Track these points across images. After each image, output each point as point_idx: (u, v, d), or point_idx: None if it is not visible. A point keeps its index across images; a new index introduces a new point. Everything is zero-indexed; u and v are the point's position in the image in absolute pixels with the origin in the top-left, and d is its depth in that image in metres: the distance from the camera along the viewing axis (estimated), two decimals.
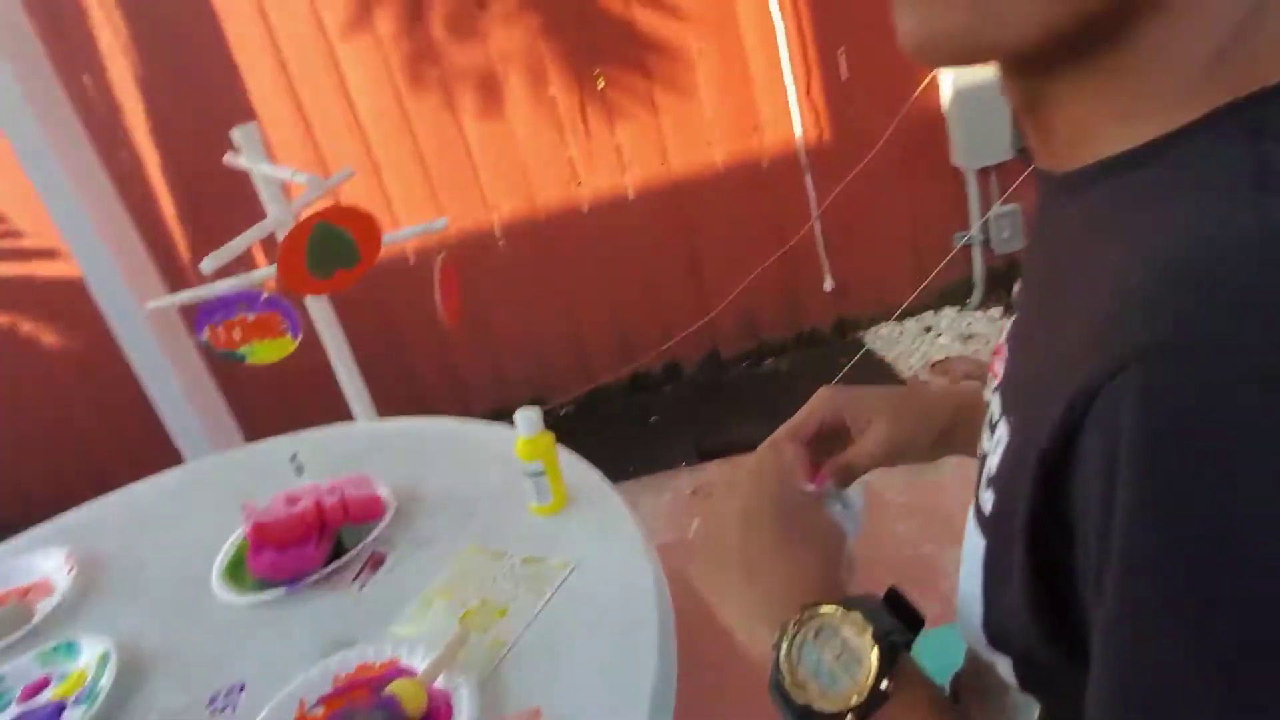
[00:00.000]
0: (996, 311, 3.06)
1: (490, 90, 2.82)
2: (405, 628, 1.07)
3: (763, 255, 3.01)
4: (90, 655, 1.15)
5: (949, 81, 2.74)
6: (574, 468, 1.28)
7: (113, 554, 1.41)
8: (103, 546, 1.43)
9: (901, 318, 3.12)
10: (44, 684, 1.15)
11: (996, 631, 0.47)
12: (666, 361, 3.23)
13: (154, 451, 2.53)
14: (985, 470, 0.47)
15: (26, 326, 3.11)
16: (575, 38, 2.76)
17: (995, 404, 0.48)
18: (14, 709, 1.12)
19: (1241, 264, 0.35)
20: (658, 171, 2.93)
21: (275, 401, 2.98)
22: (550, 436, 1.20)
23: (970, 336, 2.98)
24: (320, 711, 0.96)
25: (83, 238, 2.28)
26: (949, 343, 2.97)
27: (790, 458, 0.67)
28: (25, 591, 1.35)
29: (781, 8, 2.71)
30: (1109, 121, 0.44)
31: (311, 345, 2.01)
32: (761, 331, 3.18)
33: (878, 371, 2.92)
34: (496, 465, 1.36)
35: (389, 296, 3.08)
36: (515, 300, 3.11)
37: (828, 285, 3.06)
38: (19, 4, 2.23)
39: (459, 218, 2.93)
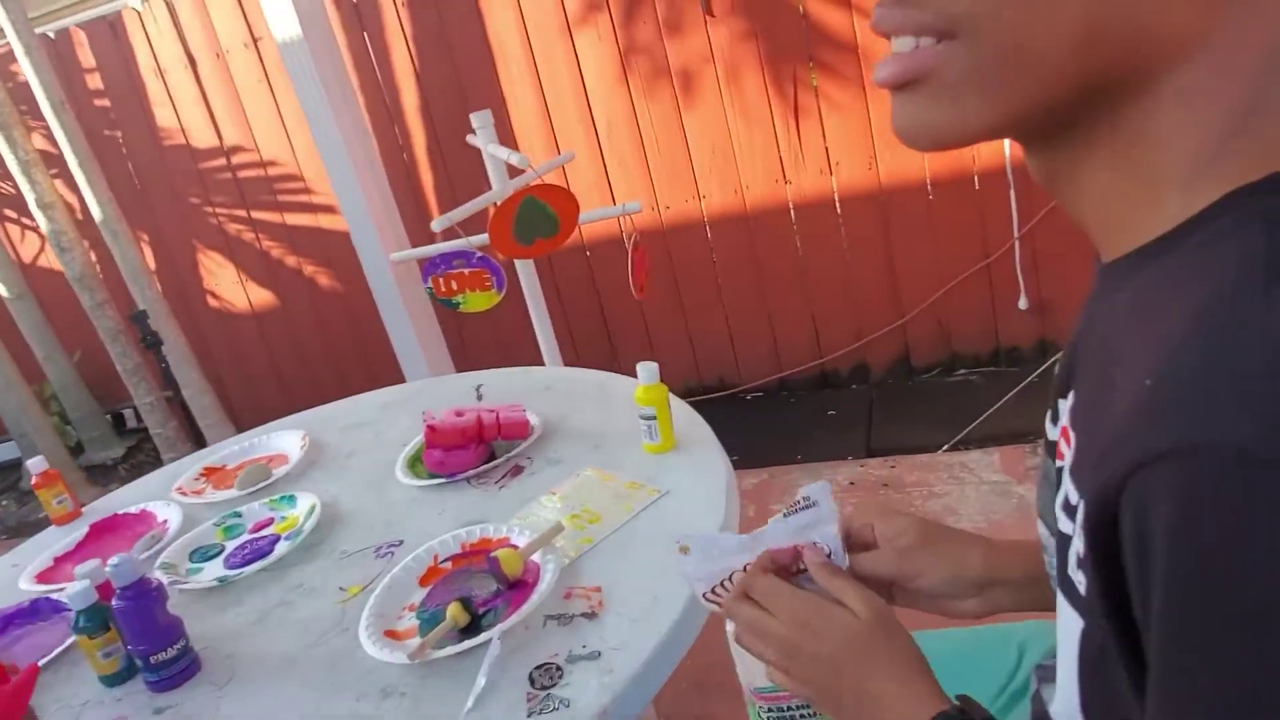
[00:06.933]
0: None
1: (702, 86, 3.05)
2: (523, 518, 1.33)
3: (962, 267, 3.04)
4: (303, 506, 1.51)
5: None
6: (688, 419, 1.49)
7: (333, 442, 1.79)
8: (327, 435, 1.82)
9: None
10: (268, 523, 1.52)
11: (1096, 713, 0.49)
12: (856, 362, 3.33)
13: (389, 372, 3.07)
14: (1073, 551, 0.47)
15: (309, 268, 3.75)
16: (786, 39, 2.92)
17: (1069, 486, 0.48)
18: (245, 537, 1.50)
19: (1247, 366, 0.37)
20: (865, 175, 3.04)
21: (491, 344, 3.47)
22: (664, 389, 1.41)
23: None
24: (448, 565, 1.24)
25: (351, 198, 2.79)
26: None
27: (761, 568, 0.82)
28: (269, 460, 1.76)
29: None
30: (1134, 208, 0.47)
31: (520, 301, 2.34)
32: (954, 343, 3.20)
33: None
34: (629, 410, 1.59)
35: (598, 270, 3.41)
36: (711, 287, 3.33)
37: (1022, 304, 3.03)
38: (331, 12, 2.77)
39: (672, 204, 3.20)
